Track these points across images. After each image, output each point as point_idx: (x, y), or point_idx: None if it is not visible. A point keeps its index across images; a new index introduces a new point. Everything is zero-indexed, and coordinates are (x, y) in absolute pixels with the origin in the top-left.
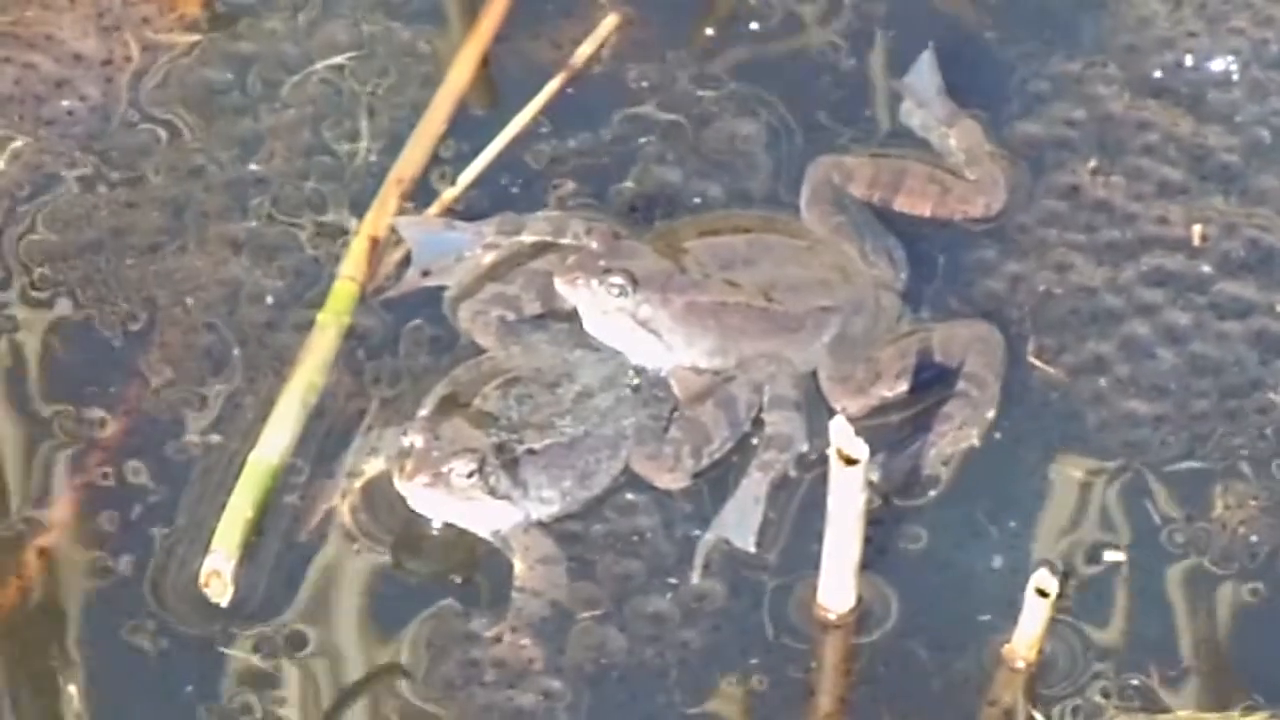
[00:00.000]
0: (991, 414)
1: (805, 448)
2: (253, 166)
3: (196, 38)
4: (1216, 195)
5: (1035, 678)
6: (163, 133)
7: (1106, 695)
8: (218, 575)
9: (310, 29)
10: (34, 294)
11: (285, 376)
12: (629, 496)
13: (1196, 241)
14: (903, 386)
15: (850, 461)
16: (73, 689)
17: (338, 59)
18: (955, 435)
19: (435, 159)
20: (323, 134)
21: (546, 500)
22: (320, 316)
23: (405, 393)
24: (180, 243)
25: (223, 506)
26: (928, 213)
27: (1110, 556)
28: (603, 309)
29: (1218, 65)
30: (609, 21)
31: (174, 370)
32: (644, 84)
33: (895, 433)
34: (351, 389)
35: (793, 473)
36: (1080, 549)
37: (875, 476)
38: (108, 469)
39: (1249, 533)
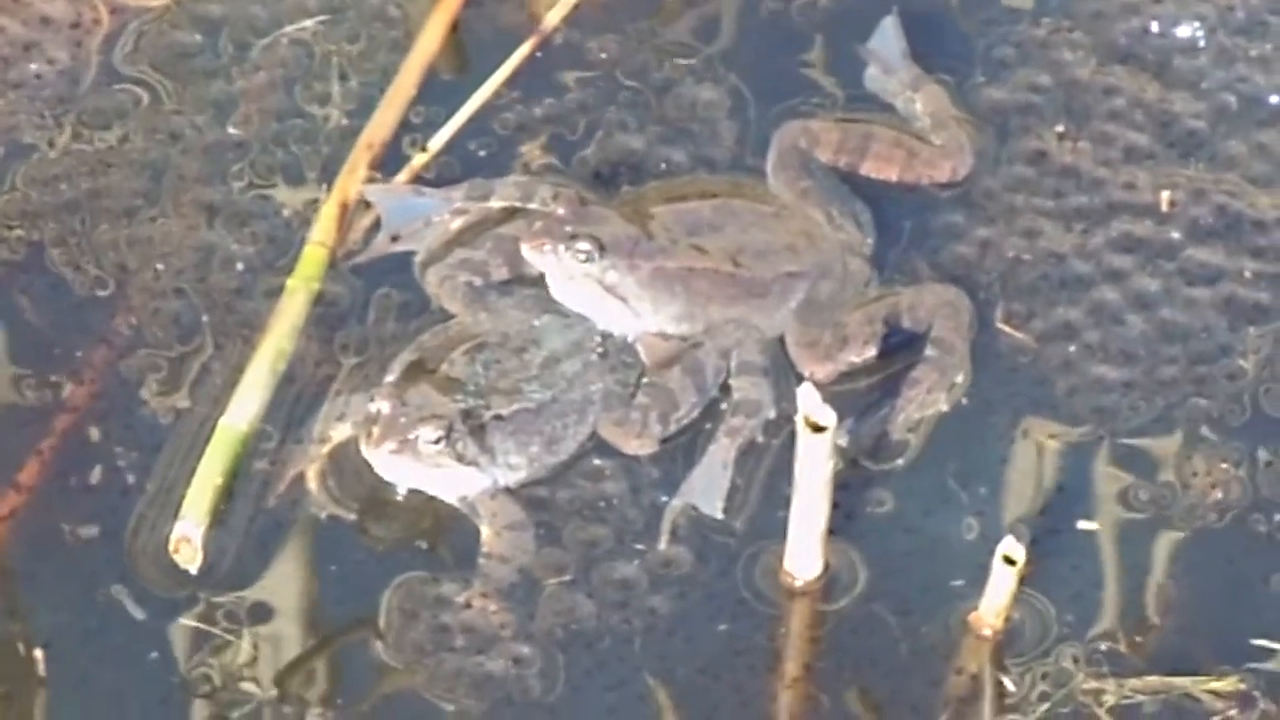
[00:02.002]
0: (960, 379)
1: (773, 413)
2: (230, 130)
3: (165, 1)
4: (1184, 161)
5: (1003, 644)
6: (134, 95)
7: (1076, 661)
8: (187, 542)
9: None
10: (4, 256)
11: (254, 342)
12: (596, 462)
13: (1165, 207)
14: (871, 352)
15: (818, 428)
16: (38, 654)
17: (307, 22)
18: (923, 400)
19: (405, 124)
20: (295, 97)
21: (514, 466)
22: (290, 282)
23: (374, 358)
24: (155, 207)
25: (192, 472)
26: (894, 177)
27: (1084, 526)
28: (569, 275)
29: (1184, 31)
30: None
31: (143, 335)
32: (606, 52)
33: (863, 398)
34: (320, 355)
35: (760, 439)
36: (1049, 515)
37: (843, 442)
38: (75, 433)
39: (1217, 498)
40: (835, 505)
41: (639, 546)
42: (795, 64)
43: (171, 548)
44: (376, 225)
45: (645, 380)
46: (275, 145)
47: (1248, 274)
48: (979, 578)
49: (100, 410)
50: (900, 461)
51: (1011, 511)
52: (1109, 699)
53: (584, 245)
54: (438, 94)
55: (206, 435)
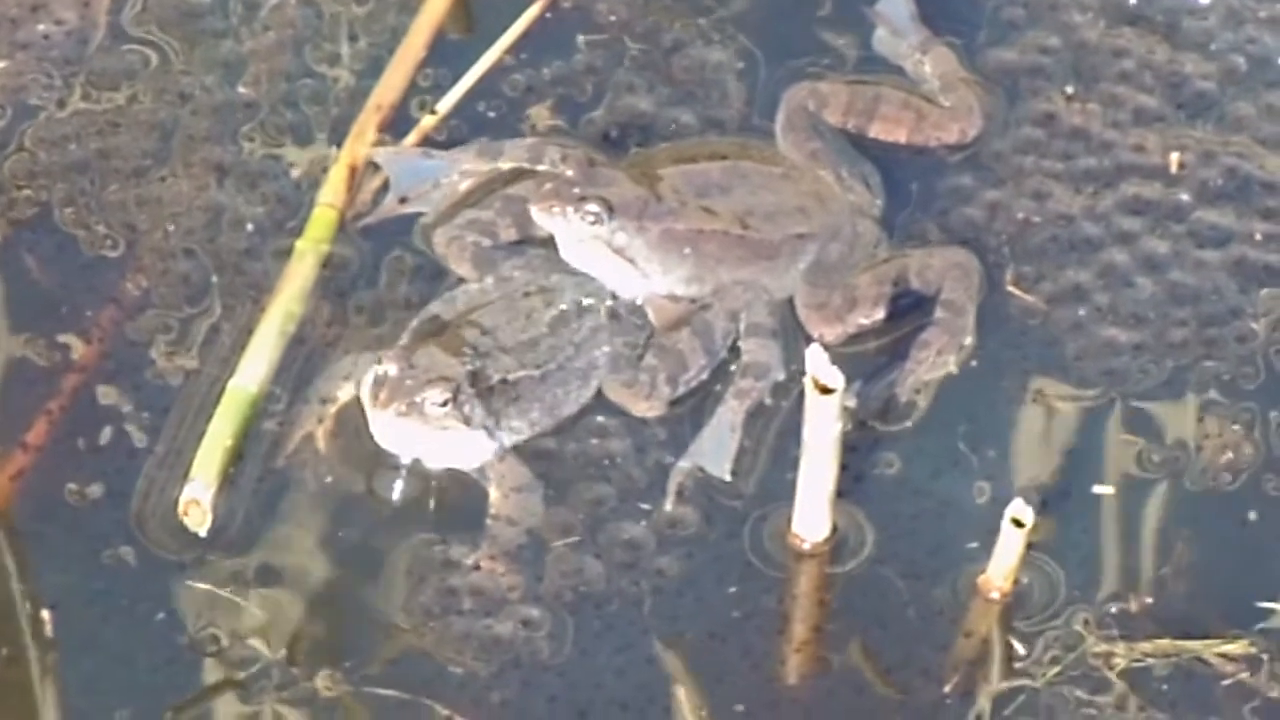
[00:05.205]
0: (969, 341)
1: (781, 376)
2: (240, 91)
3: None
4: (1193, 123)
5: (1012, 608)
6: (143, 56)
7: (1086, 624)
8: (196, 504)
9: None
10: (12, 216)
11: (263, 304)
12: (600, 419)
13: (1174, 169)
14: (880, 314)
15: (826, 390)
16: (46, 615)
17: None
18: (932, 363)
19: (414, 86)
20: (304, 58)
21: (514, 429)
22: (299, 244)
23: (383, 320)
24: (164, 168)
25: (201, 434)
26: (903, 139)
27: (1099, 490)
28: (578, 236)
29: None
30: None
31: (152, 296)
32: (615, 14)
33: (872, 360)
34: (330, 316)
35: (768, 400)
36: (1058, 478)
37: (852, 404)
38: (83, 393)
39: (1228, 461)
40: (843, 467)
41: (644, 506)
42: (804, 25)
43: (181, 510)
44: (385, 187)
45: (654, 342)
46: (285, 106)
47: (1258, 236)
48: (988, 540)
49: (109, 371)
50: (909, 424)
51: (1020, 474)
52: (1119, 662)
53: (593, 207)
54: (446, 56)
55: (215, 397)
